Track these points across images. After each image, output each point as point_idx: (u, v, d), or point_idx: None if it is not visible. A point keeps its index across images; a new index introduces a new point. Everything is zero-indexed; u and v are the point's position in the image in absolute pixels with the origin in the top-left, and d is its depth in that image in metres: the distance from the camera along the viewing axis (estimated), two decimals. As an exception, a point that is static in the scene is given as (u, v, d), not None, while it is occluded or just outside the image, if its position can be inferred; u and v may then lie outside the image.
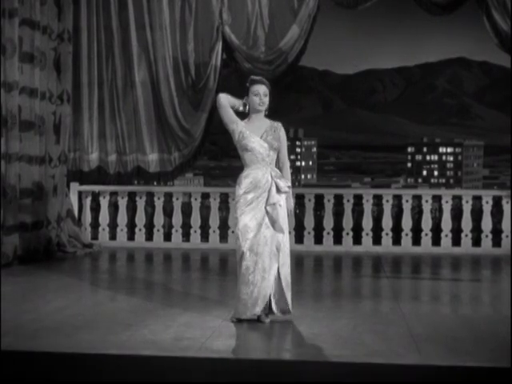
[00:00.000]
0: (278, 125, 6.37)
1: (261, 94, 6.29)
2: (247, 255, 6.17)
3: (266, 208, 6.23)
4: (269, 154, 6.29)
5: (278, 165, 6.40)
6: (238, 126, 6.31)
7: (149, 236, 11.24)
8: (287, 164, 6.43)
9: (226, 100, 6.36)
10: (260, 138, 6.27)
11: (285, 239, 6.27)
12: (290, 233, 10.85)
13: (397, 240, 10.99)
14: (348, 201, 11.06)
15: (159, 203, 11.22)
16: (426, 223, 10.94)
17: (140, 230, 11.22)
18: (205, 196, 11.28)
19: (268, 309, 6.29)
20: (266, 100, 6.32)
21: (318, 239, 11.04)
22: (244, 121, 6.38)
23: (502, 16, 10.31)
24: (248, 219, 6.20)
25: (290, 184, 6.33)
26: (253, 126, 6.33)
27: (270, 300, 6.25)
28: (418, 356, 5.27)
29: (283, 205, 6.27)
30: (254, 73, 10.44)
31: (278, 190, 6.24)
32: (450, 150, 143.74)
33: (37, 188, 9.97)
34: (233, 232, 10.77)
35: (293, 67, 10.86)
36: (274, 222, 6.23)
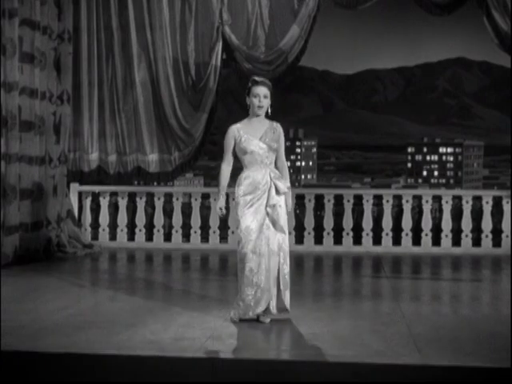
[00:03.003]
0: (277, 125, 6.37)
1: (260, 96, 6.28)
2: (250, 256, 6.18)
3: (266, 209, 6.24)
4: (268, 155, 6.30)
5: (277, 165, 6.40)
6: (234, 139, 6.30)
7: (149, 236, 11.24)
8: (286, 164, 6.46)
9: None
10: (259, 140, 6.28)
11: (286, 239, 6.30)
12: (290, 233, 10.92)
13: (397, 240, 10.99)
14: (348, 201, 11.06)
15: (159, 203, 11.22)
16: (426, 223, 10.94)
17: (140, 230, 11.22)
18: (205, 196, 11.28)
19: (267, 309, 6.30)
20: (266, 102, 6.31)
21: (318, 239, 11.04)
22: (244, 121, 6.39)
23: (502, 16, 10.30)
24: (250, 221, 6.21)
25: (289, 185, 6.35)
26: (251, 127, 6.33)
27: (269, 301, 6.26)
28: (418, 356, 5.27)
29: (283, 205, 6.30)
30: (253, 73, 10.44)
31: (278, 191, 6.26)
32: (450, 150, 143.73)
33: (37, 188, 9.98)
34: (233, 233, 10.77)
35: (293, 67, 10.86)
36: (274, 223, 6.24)
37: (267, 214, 6.24)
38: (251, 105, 6.31)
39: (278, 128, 6.36)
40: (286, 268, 6.29)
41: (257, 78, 6.37)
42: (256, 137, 6.28)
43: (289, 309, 6.34)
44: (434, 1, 10.46)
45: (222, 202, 6.36)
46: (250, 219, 6.21)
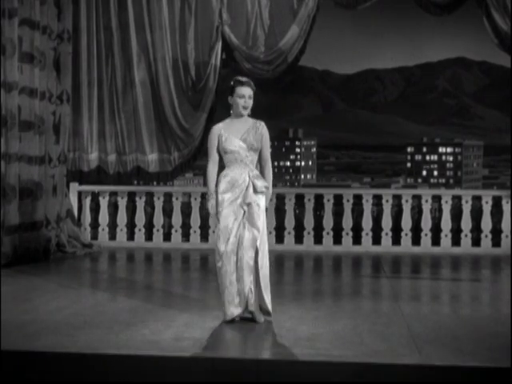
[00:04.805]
0: (261, 124, 6.35)
1: (246, 96, 6.29)
2: (228, 256, 6.19)
3: (242, 207, 6.23)
4: (248, 154, 6.29)
5: (261, 164, 6.39)
6: (218, 139, 6.31)
7: (148, 236, 11.24)
8: (269, 164, 6.43)
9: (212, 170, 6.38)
10: (239, 139, 6.27)
11: (263, 239, 6.25)
12: (289, 233, 10.92)
13: (396, 240, 10.99)
14: (348, 201, 11.06)
15: (159, 203, 11.22)
16: (426, 223, 10.94)
17: (140, 230, 11.22)
18: (204, 196, 11.27)
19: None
20: (251, 103, 6.33)
21: (318, 239, 11.04)
22: (226, 120, 6.39)
23: (502, 16, 10.31)
24: (228, 220, 6.22)
25: (267, 184, 6.33)
26: (233, 126, 6.33)
27: (247, 299, 6.22)
28: (418, 356, 5.27)
29: (261, 204, 6.28)
30: (253, 73, 10.47)
31: (255, 190, 6.25)
32: (449, 149, 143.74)
33: (36, 188, 9.97)
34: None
35: (292, 67, 10.86)
36: (250, 221, 6.22)
37: (244, 212, 6.24)
38: (235, 105, 6.31)
39: (261, 127, 6.34)
40: (264, 270, 6.23)
41: (241, 79, 6.37)
42: (237, 136, 6.28)
43: (271, 312, 6.30)
44: (434, 1, 10.46)
45: (213, 201, 6.34)
46: (228, 218, 6.22)
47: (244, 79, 6.35)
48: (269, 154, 6.44)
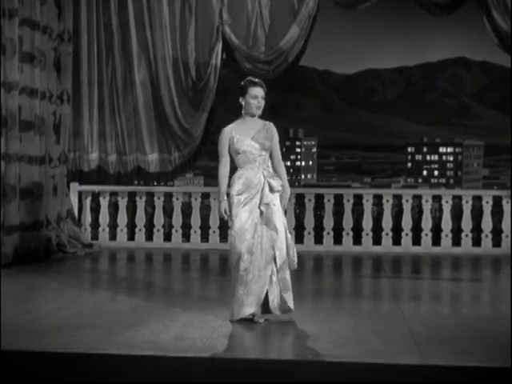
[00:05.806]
0: (270, 125, 6.39)
1: (259, 97, 6.31)
2: (245, 257, 6.19)
3: (260, 208, 6.24)
4: (261, 154, 6.31)
5: (273, 163, 6.41)
6: (229, 141, 6.31)
7: (149, 236, 11.24)
8: (282, 163, 6.47)
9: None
10: (251, 139, 6.28)
11: (281, 238, 6.26)
12: (290, 232, 10.91)
13: (397, 240, 10.99)
14: (348, 201, 11.06)
15: (159, 203, 11.23)
16: (426, 223, 10.94)
17: (140, 230, 11.22)
18: (205, 196, 11.29)
19: (265, 309, 6.29)
20: (263, 103, 6.36)
21: (318, 239, 11.04)
22: (237, 121, 6.40)
23: (502, 16, 10.31)
24: (244, 221, 6.22)
25: (282, 183, 6.34)
26: (244, 127, 6.34)
27: (267, 300, 6.26)
28: (418, 356, 5.27)
29: (277, 204, 6.29)
30: (254, 73, 10.45)
31: (271, 190, 6.26)
32: (450, 149, 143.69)
33: (37, 188, 9.97)
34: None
35: (293, 67, 10.87)
36: (268, 222, 6.24)
37: (261, 212, 6.25)
38: (248, 105, 6.32)
39: (271, 127, 6.38)
40: (285, 268, 6.29)
41: (254, 79, 6.39)
42: (248, 136, 6.30)
43: (292, 308, 6.34)
44: (434, 1, 10.46)
45: (225, 204, 6.35)
46: (244, 219, 6.22)
47: (256, 80, 6.39)
48: (279, 153, 6.48)
